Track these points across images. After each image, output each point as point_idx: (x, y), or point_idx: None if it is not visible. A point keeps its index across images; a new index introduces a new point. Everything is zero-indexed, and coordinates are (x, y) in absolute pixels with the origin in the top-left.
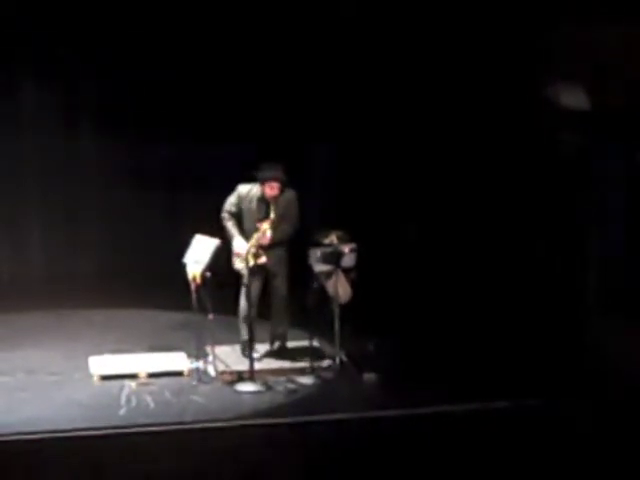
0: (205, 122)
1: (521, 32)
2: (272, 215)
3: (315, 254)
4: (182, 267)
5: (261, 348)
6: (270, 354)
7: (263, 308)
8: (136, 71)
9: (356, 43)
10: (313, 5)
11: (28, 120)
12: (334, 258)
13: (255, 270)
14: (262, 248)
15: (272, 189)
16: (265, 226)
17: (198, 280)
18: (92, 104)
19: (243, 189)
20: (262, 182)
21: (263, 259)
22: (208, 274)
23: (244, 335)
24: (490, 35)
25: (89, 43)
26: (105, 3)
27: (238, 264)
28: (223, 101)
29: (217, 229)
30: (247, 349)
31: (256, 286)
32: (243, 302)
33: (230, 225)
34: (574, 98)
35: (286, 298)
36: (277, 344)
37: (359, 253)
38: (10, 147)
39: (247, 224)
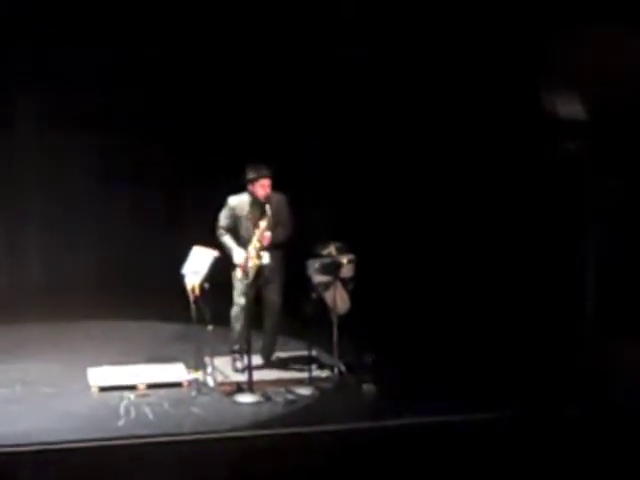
0: (207, 129)
1: (520, 38)
2: (268, 212)
3: (314, 265)
4: (180, 278)
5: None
6: (268, 365)
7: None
8: (135, 72)
9: (361, 48)
10: (313, 6)
11: (27, 125)
12: (333, 269)
13: (255, 276)
14: (262, 249)
15: (264, 187)
16: (263, 224)
17: (197, 291)
18: (93, 108)
19: (233, 200)
20: (252, 183)
21: (265, 259)
22: (207, 285)
23: (236, 346)
24: (489, 40)
25: (89, 43)
26: (106, 4)
27: (242, 275)
28: (225, 108)
29: (216, 240)
30: (236, 361)
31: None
32: (238, 313)
33: (226, 239)
34: (572, 106)
35: (280, 314)
36: (264, 357)
37: (357, 264)
38: (9, 152)
39: (243, 232)
